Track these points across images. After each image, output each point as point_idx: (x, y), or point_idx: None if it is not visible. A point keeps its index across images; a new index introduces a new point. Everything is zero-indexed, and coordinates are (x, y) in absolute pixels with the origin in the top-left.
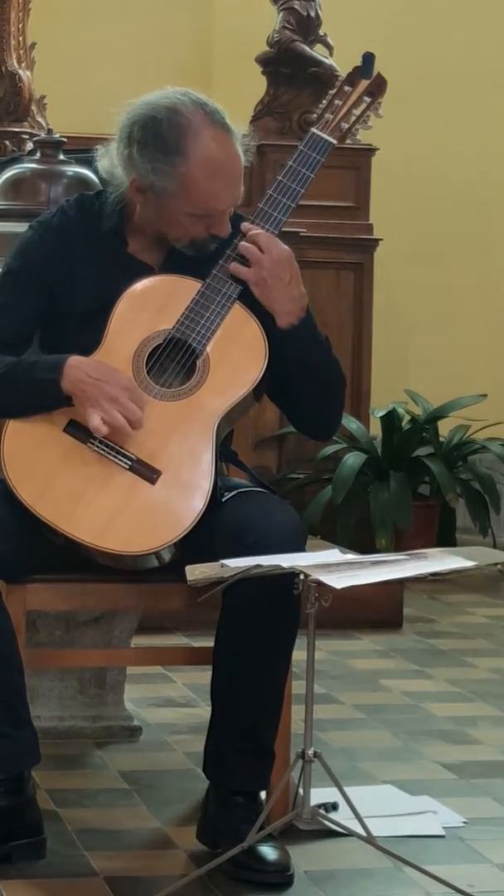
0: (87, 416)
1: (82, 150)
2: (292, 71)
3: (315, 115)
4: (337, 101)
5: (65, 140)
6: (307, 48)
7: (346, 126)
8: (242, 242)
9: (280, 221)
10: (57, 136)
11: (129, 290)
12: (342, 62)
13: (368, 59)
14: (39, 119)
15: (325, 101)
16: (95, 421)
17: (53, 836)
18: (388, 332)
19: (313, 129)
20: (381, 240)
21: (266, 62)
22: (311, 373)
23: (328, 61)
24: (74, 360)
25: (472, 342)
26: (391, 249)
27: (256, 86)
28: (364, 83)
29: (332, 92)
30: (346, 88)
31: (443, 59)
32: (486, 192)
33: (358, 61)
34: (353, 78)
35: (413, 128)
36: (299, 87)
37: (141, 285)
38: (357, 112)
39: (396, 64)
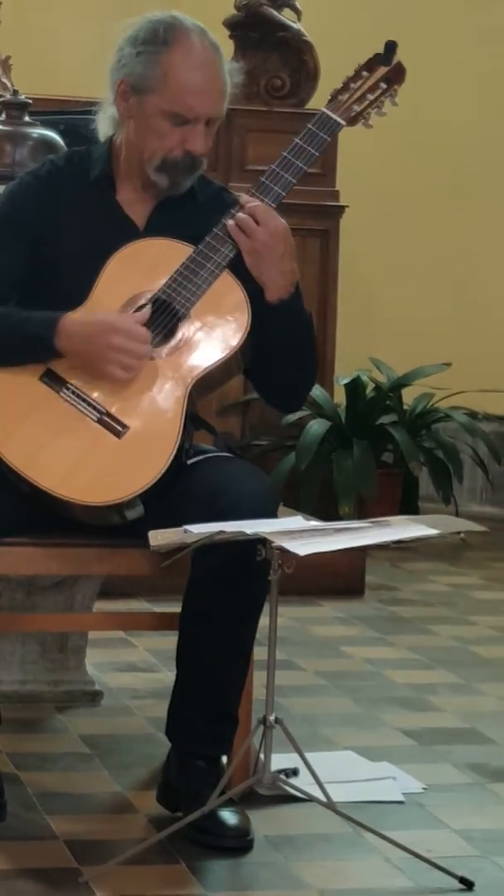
0: (103, 374)
1: (48, 112)
2: (260, 35)
3: (330, 94)
4: (352, 84)
5: (30, 102)
6: (275, 12)
7: (358, 109)
8: (239, 213)
9: (279, 196)
10: (22, 97)
11: (121, 250)
12: (310, 27)
13: (390, 47)
14: (4, 80)
15: (341, 84)
16: (117, 374)
17: (14, 799)
18: (353, 299)
19: (324, 109)
20: (347, 207)
21: (233, 26)
22: (290, 349)
23: (296, 26)
24: (67, 321)
25: (437, 311)
26: (357, 217)
27: (223, 49)
28: (382, 70)
29: (350, 75)
30: (364, 73)
31: (414, 26)
32: (454, 161)
33: (328, 28)
34: (371, 64)
35: None
36: (267, 51)
37: (134, 245)
38: (371, 97)
39: (365, 31)
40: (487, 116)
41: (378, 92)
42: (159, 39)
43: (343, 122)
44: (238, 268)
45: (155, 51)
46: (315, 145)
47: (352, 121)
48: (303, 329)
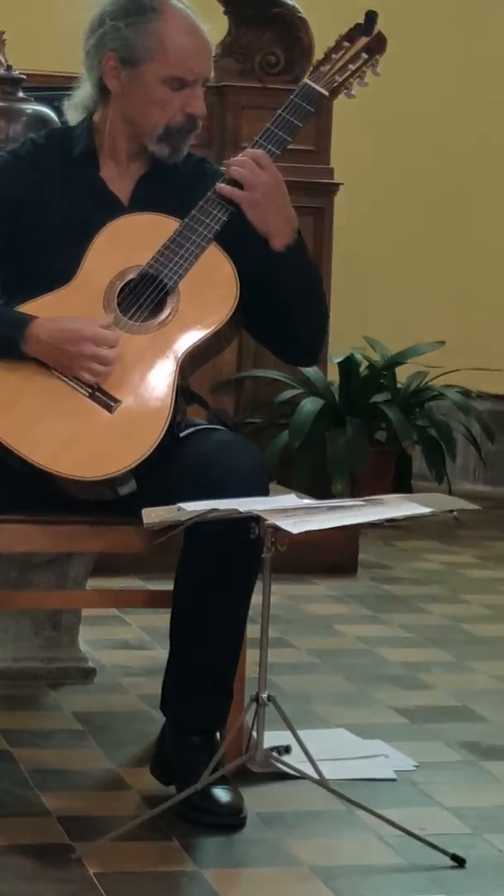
0: (74, 376)
1: (42, 87)
2: (254, 11)
3: (312, 66)
4: (334, 55)
5: (24, 77)
6: None
7: (340, 79)
8: (234, 168)
9: None
10: (16, 73)
11: (107, 226)
12: (305, 3)
13: (371, 17)
14: None
15: (322, 55)
16: (86, 379)
17: (6, 775)
18: (346, 277)
19: (306, 80)
20: (342, 184)
21: (228, 2)
22: (303, 295)
23: (291, 2)
24: (37, 327)
25: (431, 289)
26: (351, 194)
27: (218, 25)
28: (363, 40)
29: (331, 46)
30: (345, 44)
31: (409, 3)
32: (448, 138)
33: (323, 5)
34: (353, 34)
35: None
36: (261, 28)
37: (120, 221)
38: (353, 67)
39: (360, 8)
40: (477, 93)
41: (360, 62)
42: (147, 8)
43: (326, 93)
44: (229, 239)
45: (146, 20)
46: (299, 116)
47: (334, 91)
48: (313, 272)
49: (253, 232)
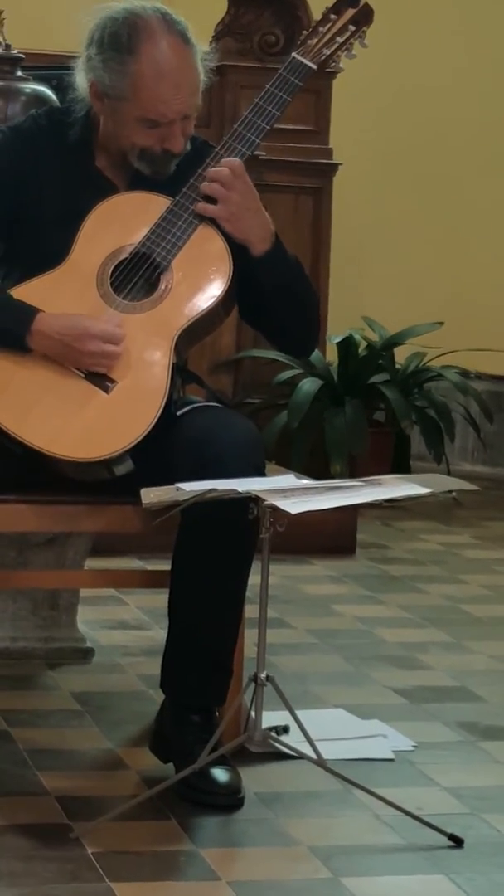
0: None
1: (41, 67)
2: None
3: (299, 39)
4: (321, 28)
5: (23, 57)
6: None
7: (328, 52)
8: (205, 183)
9: (254, 143)
10: (15, 52)
11: (99, 206)
12: None
13: None
14: None
15: (309, 28)
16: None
17: (5, 755)
18: (345, 257)
19: (294, 54)
20: (341, 164)
21: None
22: (288, 295)
23: None
24: (42, 323)
25: (430, 270)
26: (350, 175)
27: (217, 5)
28: (350, 11)
29: (318, 19)
30: (332, 16)
31: None
32: (447, 119)
33: None
34: (339, 6)
35: (376, 52)
36: (260, 7)
37: (111, 200)
38: (340, 39)
39: None
40: (476, 74)
41: (347, 34)
42: (123, 47)
43: (313, 66)
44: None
45: (120, 60)
46: (286, 90)
47: (322, 65)
48: (295, 271)
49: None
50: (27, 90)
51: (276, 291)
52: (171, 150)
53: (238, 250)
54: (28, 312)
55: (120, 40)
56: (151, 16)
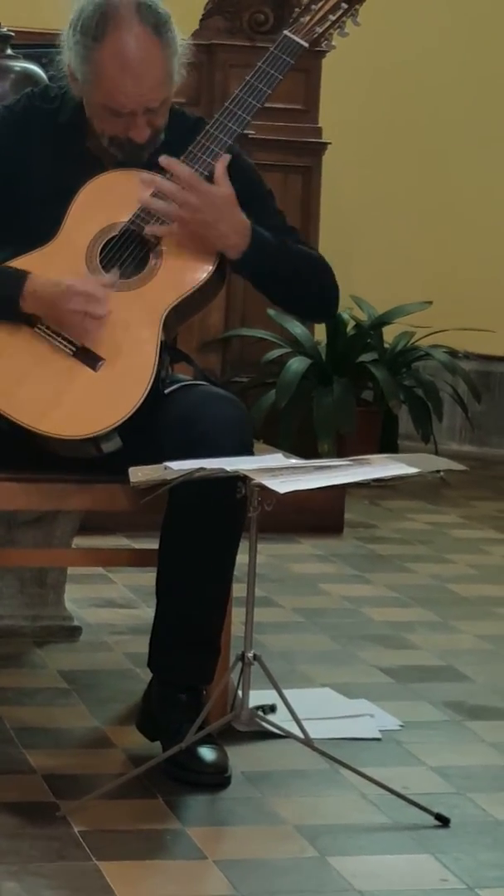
0: (66, 332)
1: (31, 45)
2: None
3: (290, 18)
4: (313, 6)
5: (13, 34)
6: None
7: (320, 31)
8: (158, 204)
9: (245, 120)
10: (5, 30)
11: (88, 183)
12: None
13: None
14: None
15: (301, 5)
16: (78, 335)
17: None
18: (334, 236)
19: (285, 32)
20: (330, 144)
21: None
22: (285, 280)
23: None
24: (33, 284)
25: (418, 249)
26: (339, 154)
27: None
28: None
29: None
30: None
31: None
32: (437, 98)
33: None
34: None
35: (365, 32)
36: None
37: (101, 178)
38: (333, 17)
39: None
40: (467, 53)
41: (339, 12)
42: (91, 33)
43: (305, 44)
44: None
45: (87, 45)
46: (278, 68)
47: (314, 42)
48: (287, 257)
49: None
50: (17, 68)
51: (271, 281)
52: (135, 140)
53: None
54: (19, 276)
55: (90, 25)
56: (126, 4)
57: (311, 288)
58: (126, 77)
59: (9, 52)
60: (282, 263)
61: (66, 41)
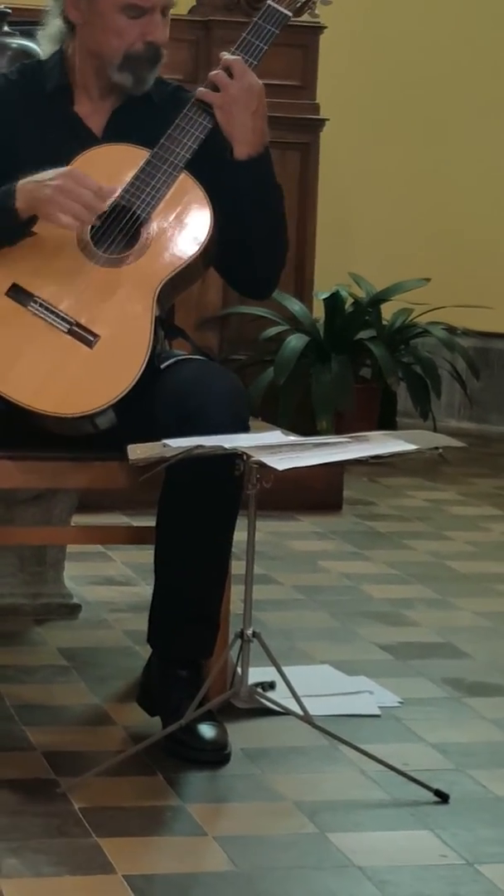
0: (54, 221)
1: (27, 21)
2: None
3: None
4: None
5: (9, 11)
6: None
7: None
8: (213, 71)
9: None
10: (2, 7)
11: (77, 158)
12: None
13: None
14: None
15: None
16: (64, 220)
17: None
18: (332, 214)
19: (269, 2)
20: (328, 120)
21: None
22: (261, 213)
23: None
24: (20, 183)
25: (417, 226)
26: (337, 130)
27: None
28: None
29: None
30: None
31: None
32: (436, 74)
33: None
34: None
35: (362, 7)
36: None
37: (90, 153)
38: None
39: None
40: (465, 28)
41: None
42: None
43: (289, 14)
44: (204, 162)
45: None
46: (263, 38)
47: (298, 11)
48: (273, 194)
49: (222, 152)
50: (14, 45)
51: (248, 205)
52: (154, 41)
53: (224, 161)
54: (8, 187)
55: None
56: None
57: (274, 244)
58: None
59: (5, 28)
60: (271, 190)
61: None
